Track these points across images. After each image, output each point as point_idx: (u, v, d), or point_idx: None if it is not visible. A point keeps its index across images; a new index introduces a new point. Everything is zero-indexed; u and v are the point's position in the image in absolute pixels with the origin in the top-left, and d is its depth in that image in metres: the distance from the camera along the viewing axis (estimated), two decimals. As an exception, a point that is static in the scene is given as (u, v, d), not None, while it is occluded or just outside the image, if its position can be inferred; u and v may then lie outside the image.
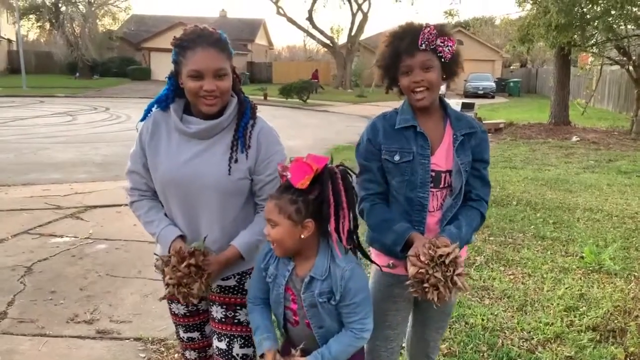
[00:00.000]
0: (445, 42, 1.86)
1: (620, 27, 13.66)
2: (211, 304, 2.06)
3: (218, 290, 2.02)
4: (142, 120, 2.00)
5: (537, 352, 3.02)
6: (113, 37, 39.83)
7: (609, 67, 19.07)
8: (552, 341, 3.14)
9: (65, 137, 12.41)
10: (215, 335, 2.06)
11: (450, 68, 1.92)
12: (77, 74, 37.57)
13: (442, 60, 1.87)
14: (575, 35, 13.05)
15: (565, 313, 3.50)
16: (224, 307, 2.02)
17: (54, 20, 38.69)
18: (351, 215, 1.72)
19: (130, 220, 5.37)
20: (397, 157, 1.93)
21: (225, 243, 1.93)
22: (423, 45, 1.84)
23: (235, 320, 2.02)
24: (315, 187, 1.67)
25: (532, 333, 3.24)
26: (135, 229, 5.17)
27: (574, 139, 13.61)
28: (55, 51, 37.75)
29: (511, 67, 44.84)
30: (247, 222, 1.97)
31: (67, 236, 5.21)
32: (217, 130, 1.89)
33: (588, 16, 12.57)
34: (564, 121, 16.08)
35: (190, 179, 1.89)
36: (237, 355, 2.03)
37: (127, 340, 3.25)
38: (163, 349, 3.14)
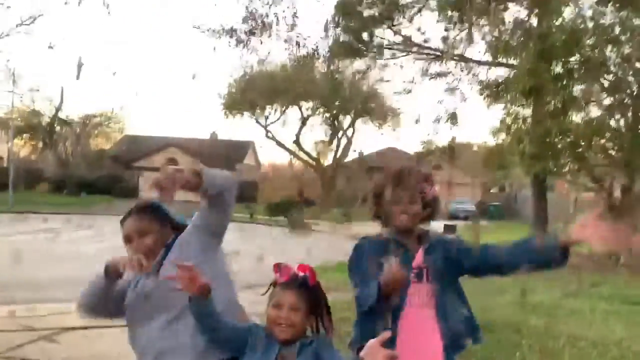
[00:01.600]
0: (427, 192, 2.34)
1: (590, 157, 14.41)
2: None
3: None
4: None
5: None
6: (105, 156, 40.76)
7: (586, 192, 19.80)
8: None
9: (46, 254, 12.27)
10: None
11: (429, 206, 2.37)
12: (65, 191, 37.86)
13: (423, 203, 2.34)
14: (549, 164, 13.70)
15: None
16: None
17: (47, 140, 39.75)
18: None
19: (108, 343, 5.20)
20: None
21: None
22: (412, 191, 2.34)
23: None
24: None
25: None
26: (114, 352, 4.99)
27: (555, 263, 13.73)
28: (46, 168, 38.35)
29: (491, 191, 46.19)
30: None
31: (38, 361, 5.01)
32: None
33: (559, 146, 13.29)
34: (544, 246, 16.31)
35: None
36: None
37: None
38: None
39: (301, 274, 2.12)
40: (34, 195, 33.47)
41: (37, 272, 9.96)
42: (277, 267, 2.15)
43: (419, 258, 2.30)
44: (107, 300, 2.21)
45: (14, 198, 28.49)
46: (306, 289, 2.11)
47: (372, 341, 1.64)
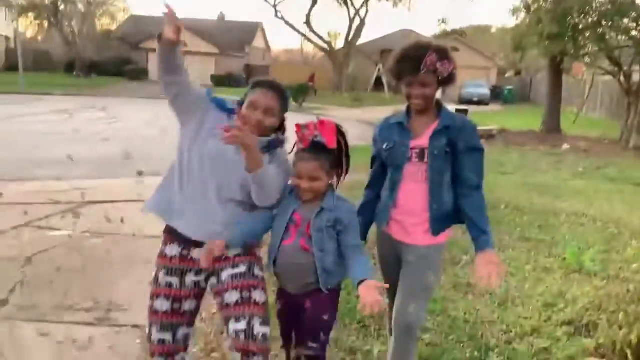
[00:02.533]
0: (444, 65, 2.26)
1: (612, 38, 13.92)
2: (222, 293, 2.20)
3: (230, 279, 2.18)
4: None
5: (514, 344, 3.19)
6: (111, 37, 39.91)
7: (601, 76, 19.36)
8: (529, 334, 3.31)
9: (63, 134, 12.52)
10: (232, 319, 2.13)
11: (446, 81, 2.34)
12: (75, 72, 37.61)
13: (440, 78, 2.30)
14: (568, 45, 13.28)
15: (544, 309, 3.67)
16: (239, 290, 2.16)
17: (52, 19, 38.78)
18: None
19: (127, 216, 5.51)
20: (385, 145, 2.45)
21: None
22: (424, 69, 2.26)
23: (253, 300, 2.14)
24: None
25: (510, 326, 3.41)
26: (133, 224, 5.31)
27: (565, 146, 13.83)
28: (53, 49, 37.79)
29: (506, 75, 45.20)
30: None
31: (65, 230, 5.35)
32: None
33: (580, 27, 12.80)
34: (556, 129, 16.32)
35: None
36: (258, 334, 2.09)
37: (124, 327, 3.40)
38: None
39: (320, 138, 2.16)
40: (44, 77, 33.32)
41: (55, 151, 10.23)
42: (299, 129, 2.20)
43: (424, 139, 2.35)
44: (176, 67, 2.16)
45: (24, 79, 28.40)
46: (327, 153, 2.17)
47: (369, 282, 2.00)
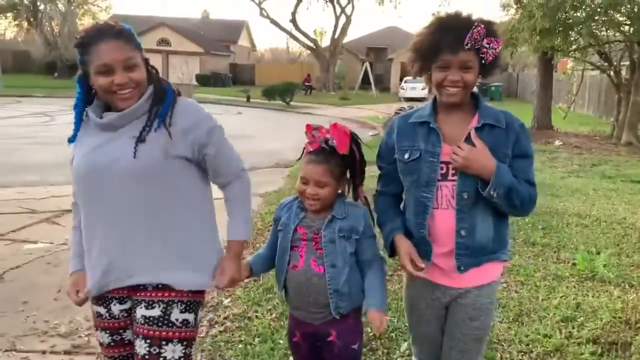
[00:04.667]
0: (492, 44, 1.76)
1: (602, 33, 13.77)
2: (135, 336, 1.81)
3: (142, 321, 1.78)
4: (72, 140, 1.89)
5: (537, 367, 2.91)
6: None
7: (589, 72, 19.28)
8: (552, 354, 3.02)
9: (43, 138, 12.07)
10: None
11: (488, 69, 1.82)
12: (56, 74, 36.88)
13: (484, 62, 1.77)
14: (558, 40, 13.10)
15: (563, 324, 3.39)
16: (147, 341, 1.77)
17: (32, 19, 37.99)
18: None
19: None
20: (406, 156, 1.86)
21: (173, 257, 1.80)
22: (469, 44, 1.74)
23: (161, 358, 1.77)
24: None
25: (530, 346, 3.12)
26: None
27: (557, 143, 13.67)
28: (33, 50, 37.04)
29: (492, 72, 45.17)
30: (196, 231, 1.84)
31: (41, 242, 4.98)
32: (130, 118, 1.76)
33: (571, 21, 12.63)
34: (547, 125, 16.18)
35: (91, 167, 1.76)
36: None
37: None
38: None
39: (331, 140, 1.90)
40: (24, 78, 32.59)
41: (33, 155, 9.82)
42: (310, 130, 1.94)
43: (455, 150, 1.79)
44: None
45: (3, 81, 27.73)
46: (336, 158, 1.91)
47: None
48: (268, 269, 2.09)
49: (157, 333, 1.76)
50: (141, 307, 1.79)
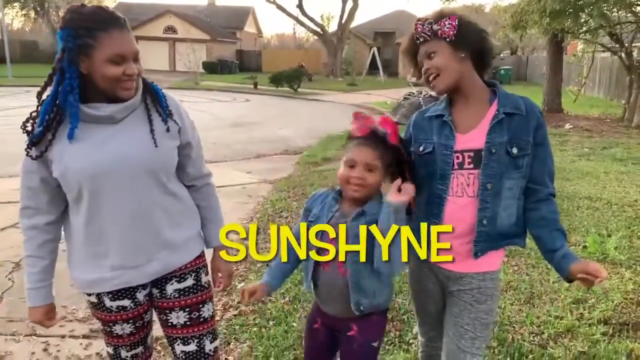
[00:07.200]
0: (443, 23, 1.81)
1: (613, 14, 13.58)
2: (167, 311, 1.92)
3: (177, 295, 1.91)
4: (33, 140, 1.79)
5: (548, 348, 2.93)
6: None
7: (599, 54, 19.05)
8: (563, 335, 3.05)
9: (53, 127, 12.13)
10: (179, 341, 1.95)
11: (463, 42, 1.81)
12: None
13: (448, 40, 1.80)
14: (568, 22, 12.94)
15: (575, 306, 3.41)
16: (187, 310, 1.93)
17: (39, 9, 38.05)
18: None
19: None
20: (421, 148, 1.91)
21: (193, 232, 1.96)
22: (420, 39, 1.85)
23: (201, 319, 1.96)
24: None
25: (542, 327, 3.15)
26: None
27: (567, 126, 13.57)
28: (41, 40, 37.14)
29: (502, 55, 44.79)
30: (191, 204, 1.97)
31: (56, 230, 5.04)
32: (132, 109, 1.77)
33: (582, 2, 12.47)
34: (557, 108, 16.05)
35: (103, 164, 1.71)
36: (210, 351, 1.99)
37: (122, 339, 3.12)
38: (160, 348, 3.01)
39: (381, 129, 1.83)
40: (32, 68, 32.70)
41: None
42: (356, 117, 1.88)
43: (475, 136, 1.82)
44: None
45: (12, 71, 27.88)
46: (385, 147, 1.84)
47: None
48: (288, 276, 2.00)
49: (194, 299, 1.94)
50: (172, 283, 1.91)
